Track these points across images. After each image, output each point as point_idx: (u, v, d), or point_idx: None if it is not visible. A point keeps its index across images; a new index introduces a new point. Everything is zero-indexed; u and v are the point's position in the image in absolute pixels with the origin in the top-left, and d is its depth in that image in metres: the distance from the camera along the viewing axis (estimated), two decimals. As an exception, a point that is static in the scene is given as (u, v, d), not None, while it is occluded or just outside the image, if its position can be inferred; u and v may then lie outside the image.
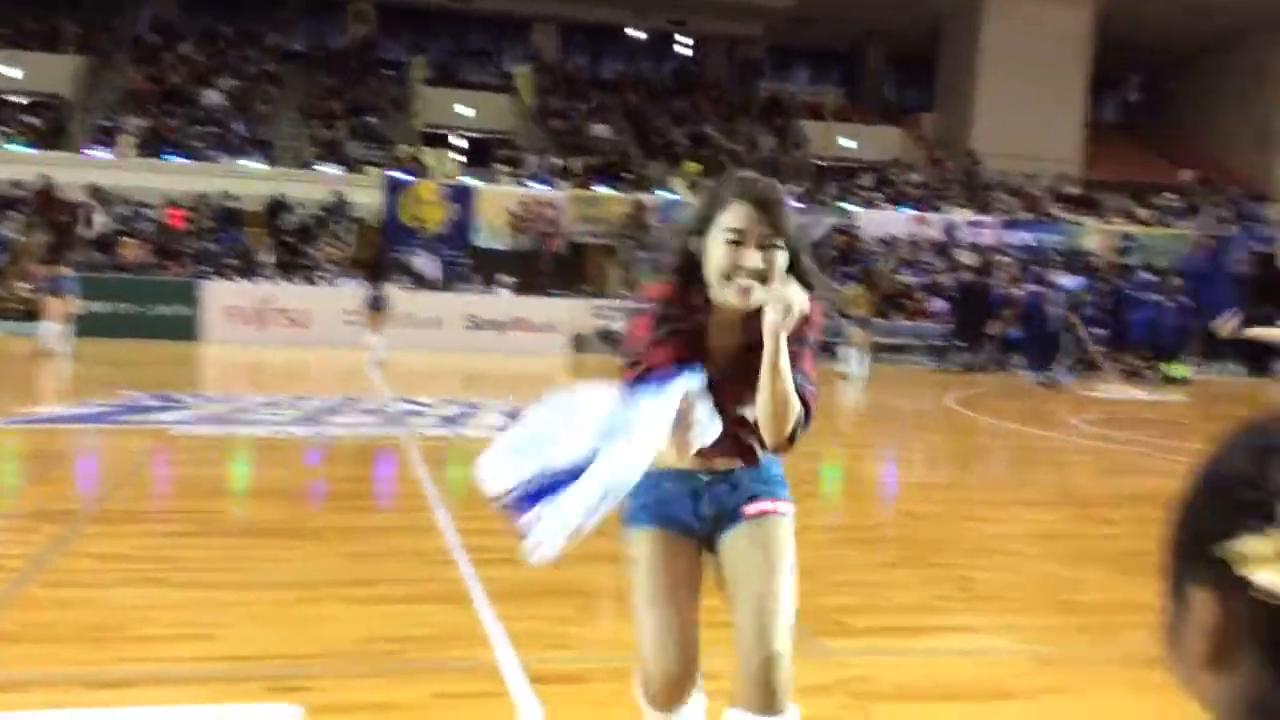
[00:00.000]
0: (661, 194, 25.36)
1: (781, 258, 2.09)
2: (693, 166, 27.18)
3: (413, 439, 8.12)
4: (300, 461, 7.43)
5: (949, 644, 3.97)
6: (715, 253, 2.10)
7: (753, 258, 2.06)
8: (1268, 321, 20.01)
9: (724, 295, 2.11)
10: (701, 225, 2.13)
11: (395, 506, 6.22)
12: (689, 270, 2.16)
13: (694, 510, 2.30)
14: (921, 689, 3.45)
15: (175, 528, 5.10)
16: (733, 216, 2.08)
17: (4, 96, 25.80)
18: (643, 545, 2.31)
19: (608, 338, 19.86)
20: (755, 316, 2.08)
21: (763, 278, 2.07)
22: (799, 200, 25.70)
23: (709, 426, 1.99)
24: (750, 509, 2.31)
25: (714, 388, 2.08)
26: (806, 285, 2.10)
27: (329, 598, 4.10)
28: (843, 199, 26.27)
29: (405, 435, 8.33)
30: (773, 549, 2.28)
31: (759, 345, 2.08)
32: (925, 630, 4.08)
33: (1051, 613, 4.37)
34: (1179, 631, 0.66)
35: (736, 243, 2.07)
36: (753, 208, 2.07)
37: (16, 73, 25.96)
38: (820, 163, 29.07)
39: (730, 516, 2.30)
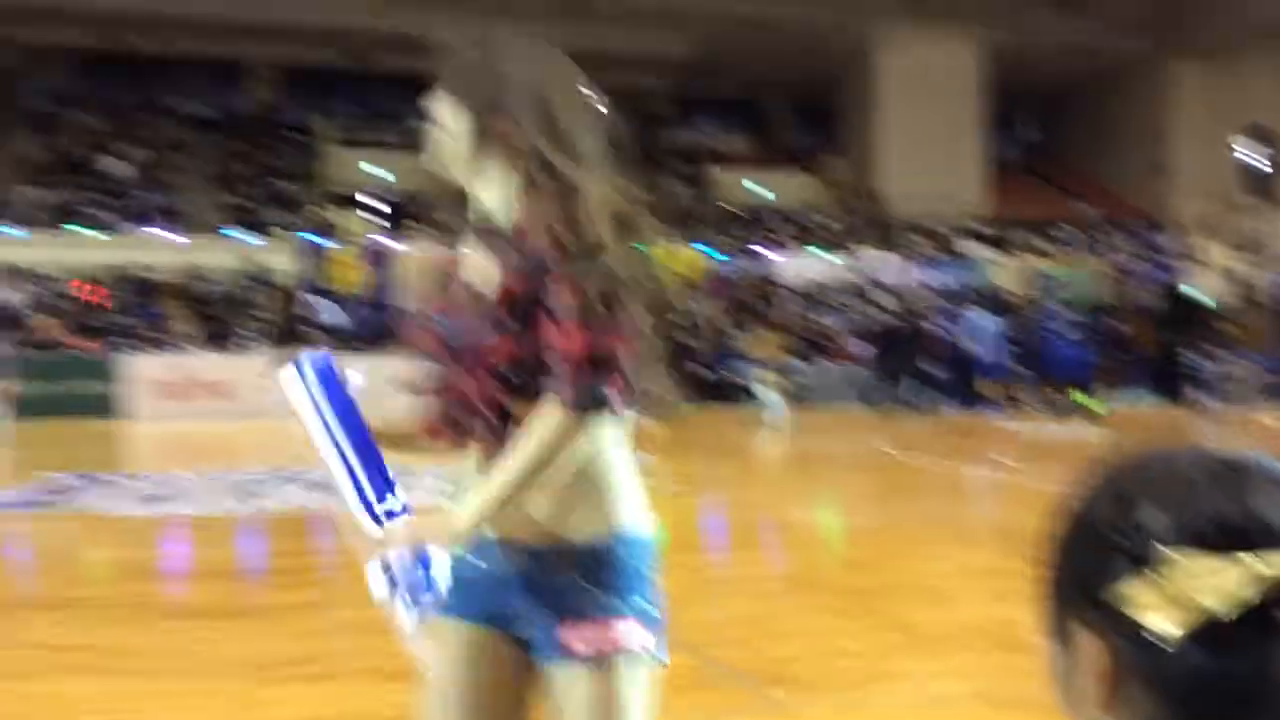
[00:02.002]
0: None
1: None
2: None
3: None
4: (236, 538, 7.32)
5: (900, 690, 4.06)
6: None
7: None
8: (1175, 352, 20.73)
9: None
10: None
11: (338, 581, 6.16)
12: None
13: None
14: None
15: (114, 613, 5.00)
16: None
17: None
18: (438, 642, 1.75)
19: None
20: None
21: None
22: (715, 247, 26.04)
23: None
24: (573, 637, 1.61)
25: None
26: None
27: (278, 678, 4.06)
28: (755, 244, 26.71)
29: (339, 505, 8.23)
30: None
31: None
32: (875, 678, 4.17)
33: (998, 653, 4.46)
34: (1069, 674, 0.70)
35: None
36: None
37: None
38: (730, 209, 29.56)
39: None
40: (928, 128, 29.37)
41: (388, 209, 27.51)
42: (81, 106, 28.89)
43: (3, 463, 11.81)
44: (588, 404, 1.54)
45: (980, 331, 19.76)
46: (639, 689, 1.60)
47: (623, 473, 1.68)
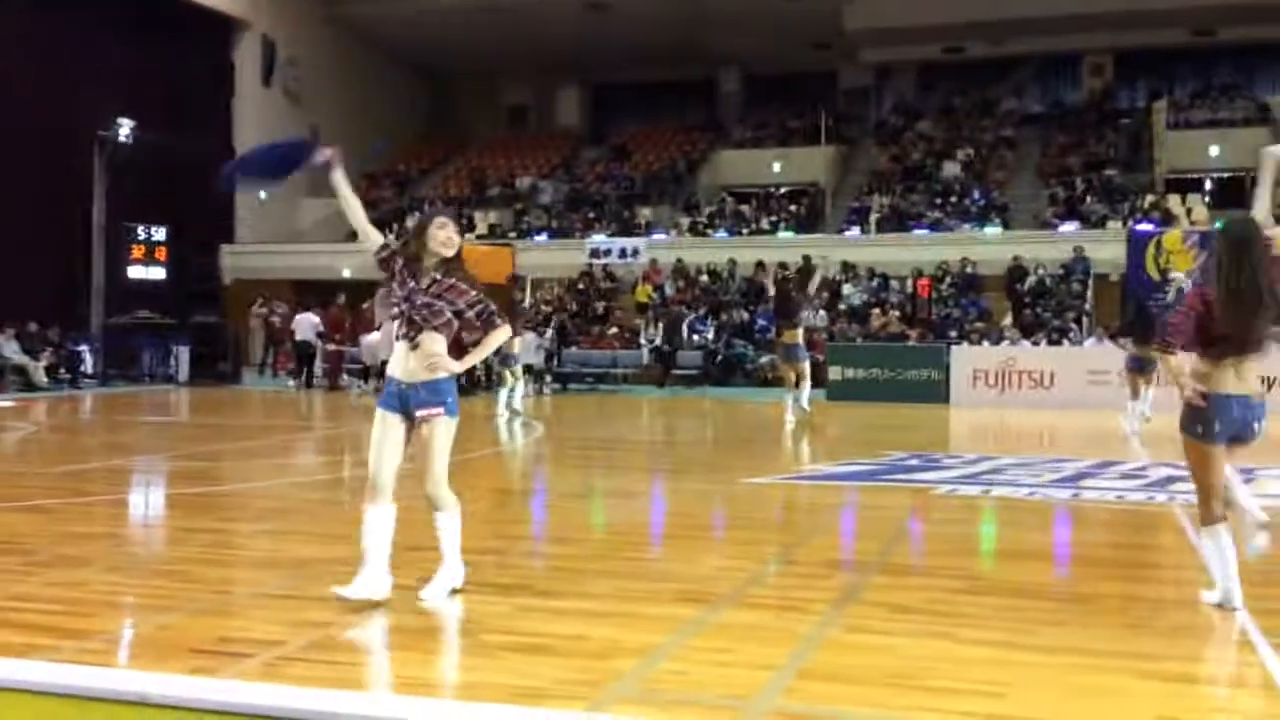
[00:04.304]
0: None
1: None
2: None
3: (1180, 506, 7.63)
4: (1060, 524, 7.37)
5: None
6: None
7: None
8: None
9: None
10: None
11: (1168, 579, 5.88)
12: None
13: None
14: None
15: (951, 584, 5.34)
16: None
17: (771, 189, 29.40)
18: None
19: None
20: None
21: None
22: None
23: None
24: None
25: None
26: None
27: (1114, 669, 4.01)
28: None
29: (1171, 502, 7.86)
30: None
31: None
32: None
33: None
34: None
35: None
36: None
37: (779, 167, 29.45)
38: None
39: None
40: None
41: (1221, 189, 25.40)
42: (920, 116, 31.09)
43: (837, 440, 13.24)
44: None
45: None
46: None
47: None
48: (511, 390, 15.07)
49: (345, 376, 21.08)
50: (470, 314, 4.78)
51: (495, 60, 33.55)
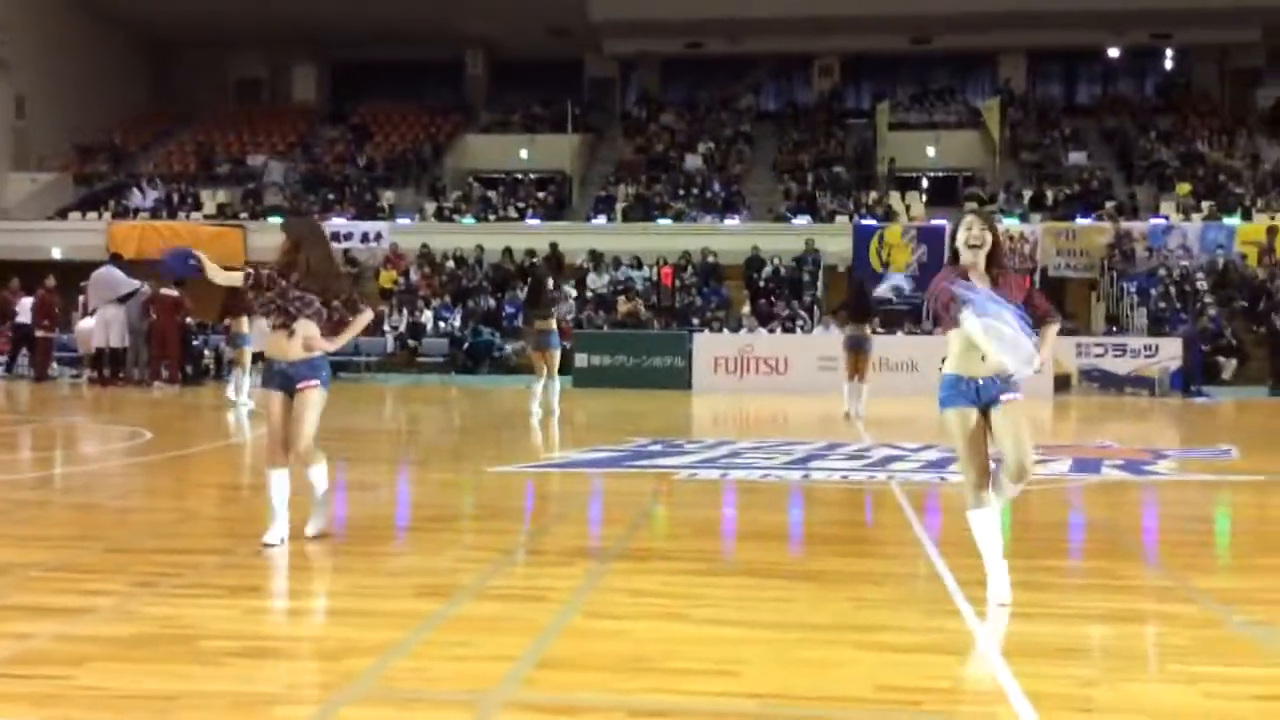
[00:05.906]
0: (1152, 220, 23.58)
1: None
2: (1184, 188, 25.03)
3: (898, 485, 8.13)
4: (791, 504, 7.69)
5: None
6: None
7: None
8: None
9: None
10: None
11: (888, 553, 6.24)
12: None
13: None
14: None
15: (690, 566, 5.47)
16: None
17: (518, 176, 29.32)
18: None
19: (1094, 377, 18.73)
20: None
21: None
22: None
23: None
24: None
25: None
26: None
27: (838, 642, 4.20)
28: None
29: (890, 480, 8.35)
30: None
31: None
32: None
33: None
34: None
35: None
36: None
37: (526, 154, 29.41)
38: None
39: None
40: None
41: (936, 187, 27.31)
42: (664, 109, 31.79)
43: (582, 426, 13.37)
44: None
45: None
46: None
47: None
48: (240, 378, 14.25)
49: (55, 366, 19.48)
50: (336, 302, 5.74)
51: (223, 30, 31.81)
